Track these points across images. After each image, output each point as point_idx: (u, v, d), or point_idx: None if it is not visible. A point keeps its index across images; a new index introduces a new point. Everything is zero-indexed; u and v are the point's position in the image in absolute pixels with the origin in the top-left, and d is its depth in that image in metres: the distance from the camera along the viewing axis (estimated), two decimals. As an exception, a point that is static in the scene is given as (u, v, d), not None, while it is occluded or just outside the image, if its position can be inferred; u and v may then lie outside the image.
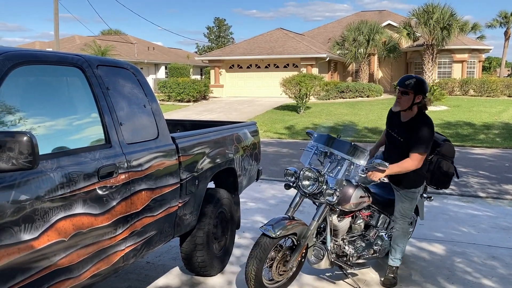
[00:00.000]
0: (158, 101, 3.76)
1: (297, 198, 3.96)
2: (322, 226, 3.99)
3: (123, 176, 3.02)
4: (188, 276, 4.33)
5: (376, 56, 33.45)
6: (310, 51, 29.60)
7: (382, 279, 4.21)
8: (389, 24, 34.56)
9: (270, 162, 10.41)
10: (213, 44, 67.68)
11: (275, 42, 31.74)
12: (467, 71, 32.37)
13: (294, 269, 3.91)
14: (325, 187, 3.77)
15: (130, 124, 3.28)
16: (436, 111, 20.90)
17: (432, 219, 6.08)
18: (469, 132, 15.89)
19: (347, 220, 4.02)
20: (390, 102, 24.80)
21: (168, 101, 27.71)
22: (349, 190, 3.90)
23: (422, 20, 28.20)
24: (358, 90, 27.69)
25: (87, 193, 2.72)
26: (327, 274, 4.34)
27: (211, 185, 4.44)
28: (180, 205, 3.70)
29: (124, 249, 3.08)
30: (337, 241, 4.03)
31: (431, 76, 29.27)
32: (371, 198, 4.11)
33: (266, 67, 31.12)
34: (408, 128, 3.98)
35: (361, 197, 3.97)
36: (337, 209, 3.91)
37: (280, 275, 3.83)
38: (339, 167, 3.93)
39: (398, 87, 4.04)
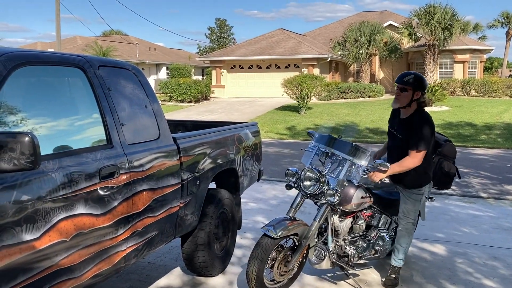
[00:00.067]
0: (160, 102, 3.76)
1: (298, 199, 3.96)
2: (323, 226, 3.99)
3: (124, 177, 3.02)
4: (190, 277, 4.33)
5: (377, 57, 33.44)
6: (312, 52, 29.60)
7: (384, 279, 4.20)
8: (390, 24, 34.54)
9: (272, 162, 10.41)
10: (214, 45, 67.72)
11: (276, 42, 31.75)
12: (469, 71, 32.34)
13: (295, 269, 3.91)
14: (326, 187, 3.77)
15: (131, 124, 3.28)
16: (437, 111, 20.89)
17: (433, 219, 6.08)
18: (471, 132, 15.87)
19: (348, 221, 4.02)
20: (391, 102, 24.73)
21: (169, 101, 27.73)
22: (350, 190, 3.90)
23: (423, 21, 28.19)
24: (359, 90, 27.68)
25: (88, 193, 2.72)
26: (328, 275, 4.34)
27: (213, 185, 4.44)
28: (181, 205, 3.70)
29: (125, 250, 3.09)
30: (338, 242, 4.03)
31: (432, 76, 29.25)
32: (372, 199, 4.11)
33: (267, 67, 31.12)
34: (406, 125, 3.97)
35: (362, 197, 3.97)
36: (338, 210, 3.91)
37: (281, 275, 3.83)
38: (340, 168, 3.93)
39: (396, 84, 4.02)
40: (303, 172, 3.86)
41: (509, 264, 4.67)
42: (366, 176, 3.91)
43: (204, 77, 44.23)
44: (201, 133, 4.16)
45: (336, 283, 4.20)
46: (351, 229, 4.12)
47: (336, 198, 3.72)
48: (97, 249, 2.81)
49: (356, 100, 27.04)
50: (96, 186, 2.78)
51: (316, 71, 28.53)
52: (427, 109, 4.13)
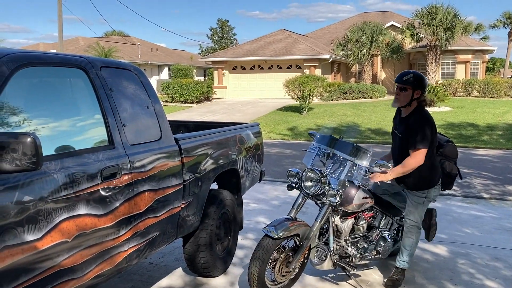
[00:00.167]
0: (162, 102, 3.77)
1: (300, 199, 3.96)
2: (324, 227, 3.99)
3: (126, 177, 3.03)
4: (191, 277, 4.33)
5: (379, 57, 33.42)
6: (313, 52, 29.60)
7: (385, 280, 4.20)
8: (392, 25, 34.52)
9: (273, 163, 10.41)
10: (216, 45, 67.78)
11: (278, 43, 31.75)
12: (471, 72, 32.29)
13: (297, 270, 3.91)
14: (327, 188, 3.77)
15: (133, 125, 3.29)
16: (439, 112, 20.86)
17: (435, 220, 6.07)
18: (473, 133, 15.85)
19: (349, 221, 4.02)
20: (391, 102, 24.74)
21: (171, 102, 27.76)
22: (351, 191, 3.90)
23: (425, 21, 28.17)
24: (361, 91, 27.67)
25: (90, 194, 2.73)
26: (329, 275, 4.34)
27: (214, 186, 4.45)
28: (183, 206, 3.71)
29: (127, 250, 3.09)
30: (339, 242, 4.03)
31: (434, 77, 29.23)
32: (373, 199, 4.11)
33: (269, 68, 31.13)
34: (406, 124, 3.96)
35: (363, 198, 3.97)
36: (340, 210, 3.91)
37: (283, 276, 3.83)
38: (341, 168, 3.94)
39: (396, 84, 4.01)
40: (304, 173, 3.86)
41: (511, 264, 4.66)
42: (367, 176, 3.91)
43: (206, 78, 44.25)
44: (202, 134, 4.17)
45: (337, 284, 4.20)
46: (353, 229, 4.12)
47: (338, 198, 3.72)
48: (99, 249, 2.82)
49: (358, 100, 27.02)
50: (98, 186, 2.79)
51: (318, 72, 28.54)
52: (429, 109, 4.12)
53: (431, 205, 4.26)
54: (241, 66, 31.79)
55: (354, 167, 3.89)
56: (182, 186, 3.66)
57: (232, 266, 4.53)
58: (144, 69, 36.87)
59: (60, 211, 2.51)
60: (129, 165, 3.07)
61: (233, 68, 31.99)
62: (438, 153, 4.24)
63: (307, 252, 3.89)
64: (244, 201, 5.42)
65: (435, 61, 29.21)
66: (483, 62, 33.52)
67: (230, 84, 31.88)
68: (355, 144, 3.93)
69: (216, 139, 4.28)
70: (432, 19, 27.95)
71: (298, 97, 21.56)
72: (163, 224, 3.47)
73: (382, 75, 35.14)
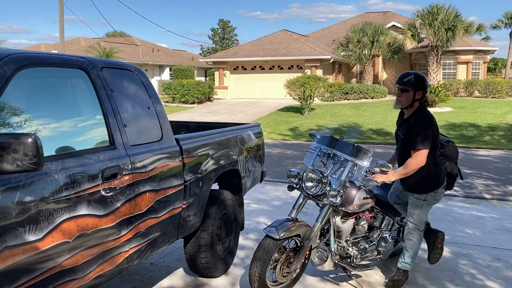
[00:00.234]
0: (163, 103, 3.78)
1: (301, 200, 3.96)
2: (325, 227, 3.99)
3: (127, 178, 3.03)
4: (192, 278, 4.34)
5: (380, 58, 33.40)
6: (314, 53, 29.60)
7: (386, 280, 4.20)
8: (393, 25, 34.50)
9: (274, 163, 10.41)
10: (217, 46, 67.82)
11: (279, 43, 31.76)
12: (472, 72, 32.27)
13: (298, 270, 3.91)
14: (328, 188, 3.77)
15: (134, 125, 3.29)
16: (440, 112, 20.84)
17: (436, 220, 6.06)
18: (474, 133, 15.83)
19: (350, 222, 4.02)
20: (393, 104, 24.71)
21: (172, 102, 27.78)
22: (352, 191, 3.90)
23: (426, 21, 28.16)
24: (362, 91, 27.66)
25: (91, 194, 2.73)
26: (330, 276, 4.34)
27: (215, 186, 4.45)
28: (184, 206, 3.71)
29: (128, 250, 3.09)
30: (340, 243, 4.03)
31: (436, 77, 29.21)
32: (374, 200, 4.11)
33: (270, 68, 31.14)
34: (408, 125, 3.95)
35: (364, 198, 3.97)
36: (341, 211, 3.91)
37: (284, 276, 3.83)
38: (342, 169, 3.94)
39: (397, 85, 3.99)
40: (305, 173, 3.86)
41: (512, 265, 4.66)
42: (368, 177, 3.91)
43: (207, 78, 44.29)
44: (203, 134, 4.17)
45: (338, 284, 4.20)
46: (353, 230, 4.12)
47: (339, 199, 3.72)
48: (100, 250, 2.82)
49: (359, 101, 27.01)
50: (99, 187, 2.79)
51: (319, 72, 28.54)
52: (430, 109, 4.10)
53: (439, 225, 4.23)
54: (242, 67, 31.80)
55: (355, 168, 3.89)
56: (183, 186, 3.66)
57: (233, 267, 4.53)
58: (145, 70, 36.92)
59: (61, 211, 2.52)
60: (130, 166, 3.07)
61: (234, 69, 32.00)
62: (439, 153, 4.24)
63: (308, 252, 3.89)
64: (245, 201, 5.42)
65: (437, 61, 29.19)
66: (484, 63, 33.49)
67: (231, 84, 31.89)
68: (355, 144, 3.93)
69: (217, 140, 4.28)
70: (433, 20, 27.93)
71: (299, 98, 21.56)
72: (164, 225, 3.47)
73: (383, 75, 35.12)
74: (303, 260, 3.90)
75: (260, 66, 31.27)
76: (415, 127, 3.85)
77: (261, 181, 5.39)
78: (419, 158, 3.81)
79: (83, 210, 2.66)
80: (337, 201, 3.72)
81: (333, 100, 27.09)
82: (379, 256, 4.24)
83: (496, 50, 34.25)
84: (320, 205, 3.92)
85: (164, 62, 42.84)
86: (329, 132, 16.04)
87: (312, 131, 4.48)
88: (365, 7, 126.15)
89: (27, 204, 2.32)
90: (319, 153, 4.07)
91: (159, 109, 3.64)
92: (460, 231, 5.75)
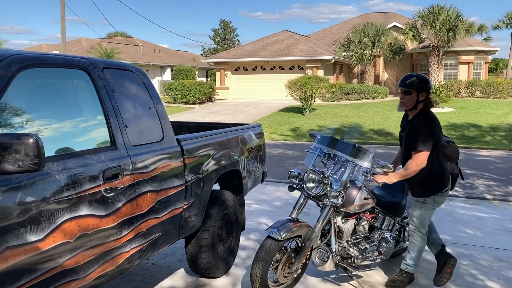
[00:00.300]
0: (164, 103, 3.78)
1: (301, 200, 3.96)
2: (326, 228, 3.99)
3: (128, 178, 3.03)
4: (193, 278, 4.34)
5: (381, 58, 33.39)
6: (316, 53, 29.59)
7: (387, 280, 4.19)
8: (394, 25, 34.48)
9: (276, 164, 10.41)
10: (218, 46, 67.82)
11: (280, 44, 31.76)
12: (473, 72, 32.23)
13: (299, 271, 3.91)
14: (329, 189, 3.77)
15: (135, 126, 3.29)
16: (442, 112, 20.82)
17: (438, 221, 6.04)
18: (475, 134, 15.82)
19: (351, 222, 4.02)
20: (395, 104, 24.51)
21: (174, 103, 27.80)
22: (353, 192, 3.90)
23: (427, 22, 28.12)
24: (363, 92, 27.66)
25: (92, 195, 2.73)
26: (332, 276, 4.34)
27: (216, 187, 4.45)
28: (185, 207, 3.71)
29: (129, 251, 3.10)
30: (341, 243, 4.03)
31: (437, 77, 29.18)
32: (375, 200, 4.10)
33: (271, 69, 31.14)
34: (410, 126, 3.95)
35: (365, 198, 3.96)
36: (342, 211, 3.91)
37: (285, 277, 3.83)
38: (343, 169, 3.94)
39: (400, 88, 3.98)
40: (306, 174, 3.86)
41: (513, 266, 4.65)
42: (368, 177, 3.90)
43: (208, 79, 44.31)
44: (204, 135, 4.17)
45: (339, 285, 4.20)
46: (354, 230, 4.12)
47: (340, 200, 3.71)
48: (101, 250, 2.82)
49: (360, 101, 27.01)
50: (100, 187, 2.80)
51: (320, 73, 28.54)
52: (432, 110, 4.07)
53: (440, 225, 4.21)
54: (244, 67, 31.81)
55: (356, 168, 3.89)
56: (184, 187, 3.67)
57: (234, 267, 4.53)
58: (147, 70, 36.96)
59: (63, 211, 2.52)
60: (131, 166, 3.08)
61: (236, 69, 32.01)
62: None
63: (309, 253, 3.89)
64: (246, 202, 5.42)
65: (438, 61, 29.16)
66: (485, 63, 33.45)
67: (232, 85, 31.90)
68: (356, 145, 3.93)
69: (218, 140, 4.28)
70: (434, 20, 27.91)
71: (300, 98, 21.56)
72: (165, 225, 3.47)
73: (384, 76, 35.10)
74: (304, 261, 3.90)
75: (261, 67, 31.27)
76: (417, 128, 3.83)
77: (262, 181, 5.39)
78: (418, 160, 3.79)
79: (84, 211, 2.66)
80: (339, 202, 3.72)
81: (334, 101, 27.09)
82: (380, 256, 4.24)
83: (497, 51, 34.25)
84: (321, 205, 3.92)
85: (165, 63, 42.87)
86: (330, 132, 16.04)
87: (312, 131, 4.48)
88: (366, 7, 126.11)
89: (28, 204, 2.33)
90: (319, 153, 4.07)
91: (160, 110, 3.64)
92: (462, 231, 5.74)
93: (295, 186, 3.99)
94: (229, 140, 4.46)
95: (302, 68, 29.83)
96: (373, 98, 27.71)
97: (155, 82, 38.88)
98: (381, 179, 3.93)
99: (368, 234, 4.24)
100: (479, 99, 27.64)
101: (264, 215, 6.40)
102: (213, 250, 4.09)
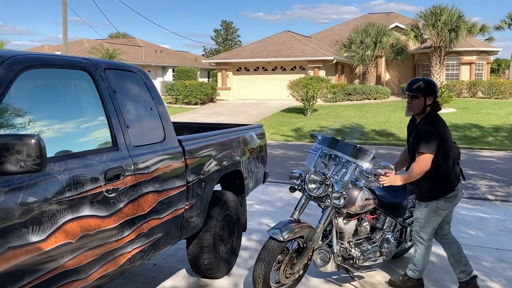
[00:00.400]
0: (166, 104, 3.78)
1: (303, 201, 3.96)
2: (328, 229, 3.99)
3: (129, 179, 3.04)
4: (195, 278, 4.34)
5: (383, 59, 33.36)
6: (317, 54, 29.59)
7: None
8: (396, 26, 34.45)
9: (277, 164, 10.41)
10: (220, 47, 67.87)
11: (282, 44, 31.77)
12: (475, 73, 32.18)
13: (301, 271, 3.91)
14: (331, 190, 3.77)
15: (137, 127, 3.30)
16: (444, 113, 20.79)
17: (439, 222, 6.05)
18: (477, 134, 15.80)
19: (353, 223, 4.01)
20: (397, 104, 24.73)
21: (175, 103, 27.83)
22: (354, 192, 3.89)
23: (429, 22, 28.09)
24: (365, 92, 27.64)
25: (94, 195, 2.74)
26: (333, 277, 4.34)
27: (218, 187, 4.45)
28: (186, 207, 3.71)
29: (131, 251, 3.10)
30: (343, 244, 4.02)
31: (439, 78, 29.14)
32: (376, 201, 4.10)
33: (273, 69, 31.14)
34: (416, 129, 3.91)
35: (366, 199, 3.96)
36: (343, 212, 3.90)
37: (287, 277, 3.83)
38: (344, 170, 3.93)
39: (407, 92, 3.93)
40: (307, 175, 3.86)
41: (516, 266, 4.64)
42: (370, 178, 3.90)
43: (210, 79, 44.33)
44: (206, 135, 4.17)
45: (341, 286, 4.19)
46: (356, 231, 4.12)
47: (342, 201, 3.71)
48: (103, 250, 2.83)
49: (362, 102, 26.99)
50: (102, 188, 2.80)
51: (322, 73, 28.53)
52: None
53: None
54: (245, 68, 31.82)
55: (357, 169, 3.89)
56: (185, 187, 3.67)
57: (236, 267, 4.53)
58: (148, 71, 36.99)
59: (64, 212, 2.52)
60: (132, 167, 3.08)
61: (237, 70, 32.02)
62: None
63: (310, 253, 3.89)
64: (248, 202, 5.43)
65: (440, 62, 29.13)
66: (487, 63, 33.40)
67: (234, 85, 31.90)
68: (357, 145, 3.92)
69: (220, 141, 4.28)
70: (436, 20, 27.88)
71: (302, 99, 21.55)
72: (166, 226, 3.48)
73: (386, 76, 35.08)
74: (306, 261, 3.90)
75: (263, 67, 31.28)
76: (421, 130, 3.80)
77: (263, 182, 5.39)
78: (421, 162, 3.74)
79: (86, 211, 2.67)
80: (340, 203, 3.71)
81: (336, 101, 27.08)
82: (382, 257, 4.24)
83: (499, 51, 34.15)
84: (323, 206, 3.92)
85: (167, 63, 42.92)
86: (332, 133, 16.03)
87: (313, 132, 4.47)
88: (367, 8, 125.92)
89: (30, 205, 2.33)
90: (320, 154, 4.07)
91: (162, 110, 3.65)
92: (463, 232, 5.73)
93: (296, 187, 3.99)
94: (230, 140, 4.47)
95: (303, 69, 29.83)
96: (374, 99, 27.70)
97: (157, 82, 38.92)
98: (387, 183, 3.90)
99: (369, 235, 4.23)
100: (481, 100, 27.61)
101: (265, 215, 6.40)
102: (214, 251, 4.10)
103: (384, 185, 3.93)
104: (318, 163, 4.05)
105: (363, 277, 4.33)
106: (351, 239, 4.07)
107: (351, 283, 4.23)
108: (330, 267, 3.93)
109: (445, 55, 29.64)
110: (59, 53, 23.42)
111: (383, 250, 4.22)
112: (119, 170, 2.95)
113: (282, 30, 34.64)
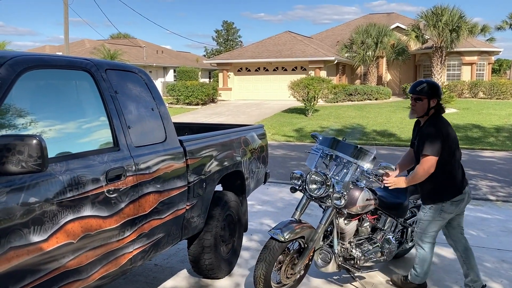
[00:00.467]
0: (167, 104, 3.79)
1: (304, 201, 3.96)
2: (329, 229, 3.99)
3: (131, 179, 3.04)
4: (196, 279, 4.34)
5: (384, 59, 33.34)
6: (318, 54, 29.58)
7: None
8: (397, 26, 34.43)
9: (278, 164, 10.41)
10: (221, 48, 67.88)
11: (283, 45, 31.77)
12: (477, 73, 32.15)
13: (302, 272, 3.91)
14: (332, 190, 3.77)
15: (138, 127, 3.30)
16: (445, 113, 20.54)
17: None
18: (479, 135, 15.78)
19: (354, 223, 4.01)
20: (398, 104, 24.72)
21: (176, 104, 27.84)
22: (355, 193, 3.90)
23: (430, 23, 28.07)
24: (366, 93, 27.63)
25: (95, 195, 2.74)
26: (334, 277, 4.34)
27: (219, 188, 4.45)
28: (187, 207, 3.72)
29: (132, 251, 3.10)
30: (344, 244, 4.02)
31: (440, 78, 29.12)
32: (377, 201, 4.10)
33: (274, 70, 31.14)
34: (421, 131, 3.89)
35: (367, 200, 3.96)
36: (344, 212, 3.90)
37: (288, 278, 3.83)
38: (345, 170, 3.93)
39: (410, 95, 3.91)
40: (308, 176, 3.86)
41: (517, 267, 4.64)
42: (371, 178, 3.90)
43: (211, 80, 44.36)
44: (207, 136, 4.18)
45: (342, 286, 4.19)
46: (357, 231, 4.12)
47: (343, 201, 3.71)
48: (104, 251, 2.83)
49: (363, 102, 26.98)
50: (103, 188, 2.81)
51: (323, 74, 28.52)
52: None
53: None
54: (246, 68, 31.82)
55: (358, 169, 3.89)
56: (186, 187, 3.67)
57: (237, 268, 4.53)
58: (150, 71, 37.02)
59: (65, 212, 2.53)
60: (134, 167, 3.09)
61: (238, 70, 32.03)
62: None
63: (311, 254, 3.89)
64: (249, 203, 5.43)
65: (441, 62, 29.11)
66: (489, 64, 33.35)
67: (235, 86, 31.91)
68: (358, 146, 3.92)
69: (221, 141, 4.28)
70: (437, 21, 27.86)
71: (303, 99, 21.55)
72: (167, 226, 3.48)
73: (387, 76, 35.06)
74: (307, 262, 3.90)
75: (264, 68, 31.29)
76: (425, 132, 3.78)
77: (264, 182, 5.39)
78: (425, 165, 3.71)
79: (87, 211, 2.67)
80: (341, 204, 3.72)
81: (337, 102, 27.07)
82: (383, 257, 4.24)
83: (500, 51, 34.11)
84: (324, 207, 3.92)
85: (168, 64, 42.94)
86: (333, 133, 16.03)
87: (314, 132, 4.47)
88: (369, 8, 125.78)
89: (31, 205, 2.34)
90: (321, 154, 4.07)
91: (163, 111, 3.65)
92: (465, 232, 5.71)
93: (297, 187, 3.99)
94: (231, 141, 4.47)
95: (304, 69, 29.83)
96: (376, 99, 27.68)
97: (158, 83, 38.95)
98: (393, 185, 3.88)
99: (370, 235, 4.23)
100: (482, 100, 27.58)
101: (266, 216, 6.40)
102: (215, 251, 4.10)
103: (390, 187, 3.91)
104: (319, 163, 4.05)
105: (364, 278, 4.33)
106: (352, 240, 4.07)
107: (352, 283, 4.23)
108: (331, 267, 3.93)
109: (446, 55, 29.62)
110: (60, 53, 23.45)
111: (384, 250, 4.22)
112: (120, 170, 2.96)
113: (283, 30, 34.73)
